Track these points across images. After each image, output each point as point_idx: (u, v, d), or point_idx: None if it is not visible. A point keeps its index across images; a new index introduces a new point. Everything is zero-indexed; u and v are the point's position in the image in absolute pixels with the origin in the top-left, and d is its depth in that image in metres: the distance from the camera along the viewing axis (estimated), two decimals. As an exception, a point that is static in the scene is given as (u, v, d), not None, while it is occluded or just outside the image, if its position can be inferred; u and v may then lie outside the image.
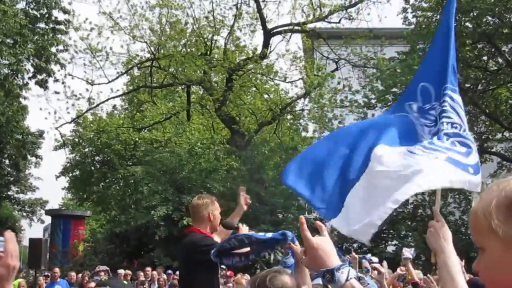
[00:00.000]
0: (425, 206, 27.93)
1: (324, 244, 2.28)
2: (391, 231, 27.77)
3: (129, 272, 19.02)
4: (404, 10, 25.24)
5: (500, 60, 25.16)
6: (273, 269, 3.65)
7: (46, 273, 18.97)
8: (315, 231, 2.46)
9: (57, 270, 18.66)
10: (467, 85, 25.12)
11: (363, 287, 2.11)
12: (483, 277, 1.71)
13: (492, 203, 1.62)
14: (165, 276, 16.51)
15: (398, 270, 10.16)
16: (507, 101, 25.94)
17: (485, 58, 25.52)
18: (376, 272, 8.29)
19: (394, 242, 27.56)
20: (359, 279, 2.11)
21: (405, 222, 27.18)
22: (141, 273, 18.81)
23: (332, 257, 2.22)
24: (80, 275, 19.27)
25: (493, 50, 24.81)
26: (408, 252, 10.44)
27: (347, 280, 2.11)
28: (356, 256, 9.05)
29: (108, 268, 17.82)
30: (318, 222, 2.50)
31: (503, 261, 1.60)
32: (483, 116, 26.18)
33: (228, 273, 16.28)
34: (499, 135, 27.12)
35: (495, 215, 1.60)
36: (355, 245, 26.41)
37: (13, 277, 2.83)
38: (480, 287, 1.62)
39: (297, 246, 3.81)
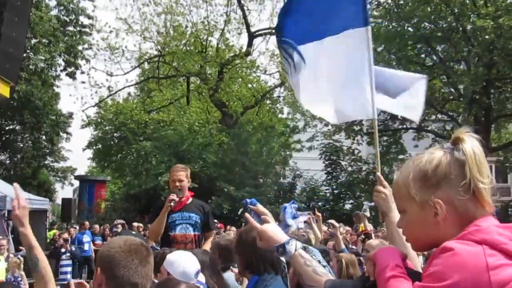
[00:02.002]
0: (375, 173, 28.13)
1: (270, 227, 2.30)
2: (348, 192, 27.96)
3: (140, 225, 19.03)
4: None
5: (434, 58, 25.26)
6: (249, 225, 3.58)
7: (75, 226, 18.95)
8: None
9: (86, 222, 18.66)
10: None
11: (309, 253, 2.11)
12: (405, 233, 1.80)
13: (410, 176, 1.72)
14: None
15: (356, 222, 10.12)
16: (440, 90, 26.07)
17: (423, 55, 25.61)
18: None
19: (351, 201, 27.78)
20: (304, 248, 2.11)
21: (359, 185, 27.37)
22: (150, 226, 18.83)
23: (280, 235, 2.22)
24: (102, 227, 19.30)
25: (429, 49, 24.89)
26: (367, 207, 10.45)
27: (295, 250, 2.12)
28: (319, 214, 9.07)
29: (124, 222, 17.82)
30: (263, 216, 2.70)
31: (420, 219, 1.70)
32: (421, 102, 26.30)
33: (219, 225, 16.32)
34: (433, 117, 27.29)
35: (412, 185, 1.70)
36: (320, 203, 26.62)
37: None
38: None
39: (257, 207, 3.73)
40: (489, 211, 1.65)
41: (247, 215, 2.59)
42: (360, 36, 4.31)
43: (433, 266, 1.55)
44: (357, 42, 4.31)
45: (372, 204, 10.31)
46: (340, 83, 4.29)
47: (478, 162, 1.64)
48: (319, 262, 2.26)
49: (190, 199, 5.98)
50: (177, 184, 5.83)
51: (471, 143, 1.68)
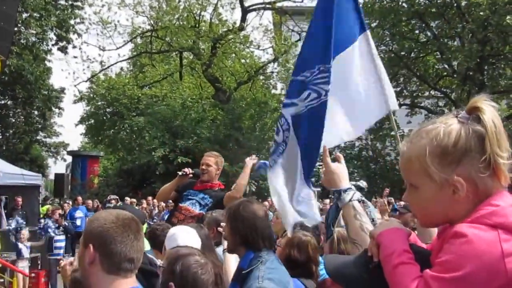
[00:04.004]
0: (368, 149, 28.21)
1: (339, 169, 2.30)
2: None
3: (134, 200, 19.08)
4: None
5: (428, 33, 25.18)
6: (245, 199, 3.59)
7: (68, 201, 18.97)
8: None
9: (79, 198, 18.68)
10: (402, 53, 25.14)
11: (364, 208, 2.09)
12: (415, 209, 1.70)
13: (426, 151, 1.58)
14: (163, 204, 16.53)
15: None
16: (433, 66, 26.05)
17: (417, 31, 25.52)
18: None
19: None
20: (362, 201, 2.09)
21: (352, 161, 27.46)
22: (144, 201, 18.88)
23: (343, 181, 2.22)
24: (95, 202, 19.36)
25: (423, 25, 24.79)
26: (362, 184, 10.47)
27: (350, 200, 2.11)
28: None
29: (117, 197, 17.85)
30: (338, 153, 2.51)
31: (435, 197, 1.58)
32: (415, 78, 26.30)
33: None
34: (426, 93, 27.29)
35: (430, 163, 1.56)
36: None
37: None
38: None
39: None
40: (505, 185, 1.56)
41: (325, 147, 2.58)
42: (363, 41, 4.38)
43: (444, 253, 1.49)
44: (363, 48, 4.36)
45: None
46: (352, 96, 4.25)
47: (499, 135, 1.53)
48: (373, 220, 2.25)
49: (216, 188, 6.13)
50: (204, 167, 6.06)
51: (490, 114, 1.55)
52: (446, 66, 25.22)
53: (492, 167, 1.52)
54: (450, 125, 1.58)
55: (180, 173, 6.05)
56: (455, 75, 24.17)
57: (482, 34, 21.72)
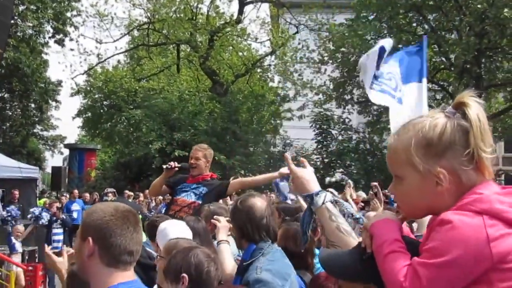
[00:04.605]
0: (365, 142, 28.21)
1: (306, 174, 2.28)
2: (338, 161, 28.07)
3: (131, 193, 19.09)
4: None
5: (426, 26, 25.14)
6: (247, 193, 3.63)
7: (65, 194, 18.97)
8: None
9: (76, 191, 18.65)
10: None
11: (340, 207, 2.09)
12: (399, 200, 1.75)
13: (411, 142, 1.63)
14: (160, 197, 16.54)
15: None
16: (431, 59, 26.02)
17: (414, 24, 25.49)
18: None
19: (341, 170, 27.91)
20: (336, 202, 2.09)
21: (349, 154, 27.46)
22: (141, 194, 18.88)
23: (312, 184, 2.21)
24: (92, 195, 19.34)
25: (420, 18, 24.77)
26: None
27: (323, 203, 2.10)
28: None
29: (115, 190, 17.84)
30: (302, 159, 2.50)
31: (419, 187, 1.63)
32: (412, 71, 26.25)
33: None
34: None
35: (415, 153, 1.62)
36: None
37: None
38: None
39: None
40: (489, 179, 1.61)
41: (286, 155, 2.57)
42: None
43: (431, 240, 1.53)
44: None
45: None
46: None
47: (483, 130, 1.59)
48: (352, 215, 2.25)
49: (209, 179, 6.26)
50: (192, 161, 6.20)
51: (476, 109, 1.61)
52: (443, 59, 25.20)
53: (476, 161, 1.58)
54: (436, 118, 1.64)
55: (165, 166, 6.17)
56: (452, 68, 24.15)
57: (479, 27, 21.71)
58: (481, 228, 1.45)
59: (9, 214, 13.23)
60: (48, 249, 3.84)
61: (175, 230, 3.73)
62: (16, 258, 12.02)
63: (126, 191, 18.90)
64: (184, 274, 2.68)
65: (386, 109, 27.96)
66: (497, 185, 1.61)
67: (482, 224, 1.46)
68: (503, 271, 1.45)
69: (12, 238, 12.09)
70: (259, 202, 3.35)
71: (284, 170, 5.86)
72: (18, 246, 12.13)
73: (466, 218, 1.48)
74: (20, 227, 12.39)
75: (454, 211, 1.52)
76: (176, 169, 6.14)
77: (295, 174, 2.30)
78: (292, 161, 2.45)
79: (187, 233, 3.76)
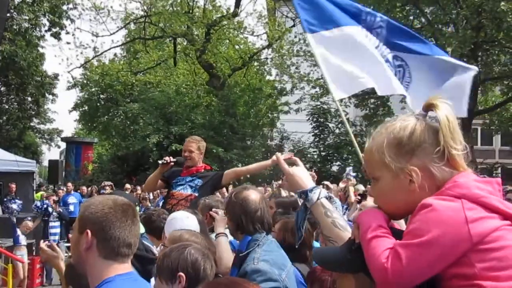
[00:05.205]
0: (362, 135, 28.24)
1: (299, 171, 2.30)
2: (336, 154, 28.12)
3: (128, 186, 19.08)
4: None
5: (423, 20, 25.14)
6: (241, 186, 3.65)
7: (62, 187, 18.96)
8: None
9: (70, 184, 18.62)
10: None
11: (332, 204, 2.12)
12: (378, 201, 1.78)
13: (383, 143, 1.72)
14: (158, 190, 16.54)
15: (341, 184, 10.20)
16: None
17: (411, 17, 25.47)
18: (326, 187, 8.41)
19: (338, 163, 27.96)
20: (330, 198, 2.13)
21: (346, 147, 27.48)
22: (139, 188, 18.87)
23: (306, 181, 2.23)
24: (89, 188, 19.32)
25: (417, 11, 24.75)
26: (351, 171, 10.45)
27: (318, 199, 2.13)
28: (314, 174, 9.11)
29: (112, 183, 17.85)
30: (293, 157, 2.58)
31: (394, 187, 1.69)
32: (409, 64, 26.21)
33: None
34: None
35: (387, 153, 1.70)
36: (307, 165, 26.72)
37: None
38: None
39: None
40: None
41: (278, 154, 2.61)
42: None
43: (412, 223, 1.57)
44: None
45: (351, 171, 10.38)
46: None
47: (452, 129, 1.65)
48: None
49: (202, 170, 6.33)
50: (186, 154, 6.25)
51: (444, 110, 1.68)
52: (440, 52, 25.22)
53: (447, 158, 1.65)
54: (406, 120, 1.74)
55: (160, 162, 6.15)
56: (449, 61, 24.15)
57: (476, 20, 21.72)
58: (459, 210, 1.51)
59: (17, 209, 13.26)
60: (42, 243, 3.86)
61: (184, 221, 3.77)
62: (21, 251, 12.04)
63: (127, 185, 18.90)
64: (181, 273, 2.68)
65: (383, 103, 27.92)
66: (476, 175, 1.67)
67: (461, 206, 1.52)
68: (483, 252, 1.48)
69: (18, 230, 12.10)
70: (253, 195, 3.39)
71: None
72: (22, 239, 12.14)
73: (445, 202, 1.54)
74: (30, 223, 12.38)
75: (434, 196, 1.58)
76: (172, 163, 6.15)
77: (288, 172, 2.32)
78: (285, 159, 2.48)
79: (195, 225, 3.80)
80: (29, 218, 12.91)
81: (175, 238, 3.39)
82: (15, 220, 12.87)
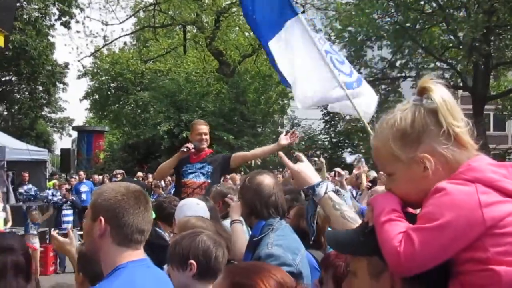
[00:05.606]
0: (373, 122, 28.12)
1: (304, 167, 2.31)
2: (347, 141, 28.08)
3: (140, 174, 19.15)
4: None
5: (434, 4, 24.92)
6: (255, 171, 3.65)
7: (74, 176, 19.08)
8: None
9: (81, 173, 18.69)
10: (407, 25, 24.93)
11: (339, 197, 2.13)
12: (397, 195, 1.74)
13: (388, 138, 1.70)
14: (169, 178, 16.57)
15: (354, 171, 10.16)
16: (439, 38, 25.84)
17: (422, 2, 25.24)
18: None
19: (349, 150, 27.89)
20: (337, 191, 2.14)
21: (357, 134, 27.42)
22: (150, 175, 18.93)
23: (312, 177, 2.24)
24: (101, 176, 19.41)
25: (429, -4, 24.56)
26: (349, 158, 10.42)
27: (325, 193, 2.14)
28: (323, 160, 9.08)
29: (123, 172, 17.91)
30: (297, 153, 2.53)
31: (409, 177, 1.67)
32: (420, 50, 26.11)
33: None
34: (432, 65, 27.12)
35: (394, 147, 1.68)
36: (318, 152, 26.73)
37: None
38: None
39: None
40: (474, 151, 1.66)
41: (281, 153, 2.62)
42: (297, 25, 5.07)
43: (425, 207, 1.57)
44: (298, 31, 5.03)
45: (354, 156, 10.34)
46: (305, 69, 4.95)
47: (450, 108, 1.64)
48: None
49: (210, 154, 6.37)
50: (203, 137, 6.22)
51: (438, 91, 1.67)
52: (451, 37, 25.01)
53: (453, 137, 1.63)
54: (405, 109, 1.71)
55: (184, 149, 6.10)
56: (461, 46, 23.96)
57: (488, 4, 21.50)
58: (473, 194, 1.49)
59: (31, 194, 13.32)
60: (54, 232, 3.88)
61: (193, 208, 3.78)
62: (34, 239, 12.16)
63: (139, 173, 18.98)
64: (192, 261, 2.68)
65: (394, 89, 27.77)
66: (491, 159, 1.66)
67: (475, 190, 1.50)
68: (497, 236, 1.47)
69: (28, 220, 12.21)
70: (267, 180, 3.37)
71: (283, 141, 5.94)
72: (32, 227, 12.25)
73: (459, 186, 1.52)
74: (37, 215, 12.47)
75: (448, 180, 1.57)
76: (192, 150, 6.13)
77: (293, 169, 2.32)
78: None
79: (205, 211, 3.81)
80: (34, 207, 13.01)
81: (182, 224, 3.41)
82: (24, 208, 12.97)
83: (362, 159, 10.16)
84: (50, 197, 13.71)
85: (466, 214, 1.47)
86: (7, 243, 2.66)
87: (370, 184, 9.65)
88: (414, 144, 1.66)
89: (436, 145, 1.64)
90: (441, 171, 1.63)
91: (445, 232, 1.48)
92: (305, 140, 28.36)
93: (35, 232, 12.39)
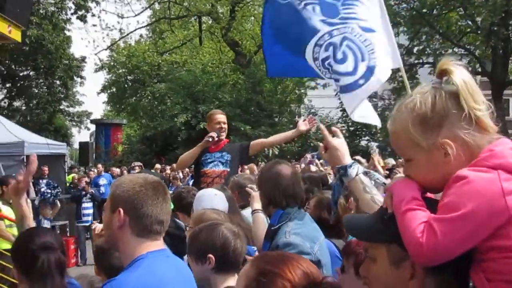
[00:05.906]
0: (391, 109, 27.96)
1: (342, 145, 2.31)
2: (364, 129, 27.94)
3: (158, 166, 19.25)
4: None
5: (451, -11, 24.63)
6: (274, 160, 3.64)
7: (93, 169, 19.21)
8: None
9: (100, 166, 18.82)
10: (424, 10, 24.69)
11: (370, 179, 2.12)
12: (417, 180, 1.71)
13: (408, 123, 1.65)
14: (187, 169, 16.66)
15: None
16: (456, 23, 25.54)
17: (439, -13, 24.97)
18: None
19: (366, 138, 27.80)
20: (366, 173, 2.14)
21: (375, 121, 27.22)
22: (168, 167, 19.02)
23: (346, 157, 2.24)
24: (119, 169, 19.53)
25: (446, -20, 24.26)
26: (375, 146, 10.41)
27: (356, 175, 2.14)
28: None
29: (141, 164, 18.02)
30: (334, 128, 2.52)
31: (429, 164, 1.64)
32: (437, 36, 25.84)
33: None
34: (450, 51, 26.82)
35: (414, 133, 1.63)
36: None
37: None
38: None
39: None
40: (495, 134, 1.62)
41: (322, 126, 2.58)
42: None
43: (446, 196, 1.54)
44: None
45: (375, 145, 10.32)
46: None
47: (471, 91, 1.60)
48: (385, 184, 2.26)
49: (226, 143, 6.36)
50: (223, 126, 6.23)
51: (459, 73, 1.63)
52: (469, 22, 24.72)
53: (475, 121, 1.60)
54: (424, 93, 1.67)
55: (209, 139, 6.07)
56: (479, 31, 23.69)
57: (506, -12, 21.21)
58: (495, 181, 1.46)
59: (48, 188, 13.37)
60: (95, 226, 3.90)
61: (211, 199, 3.79)
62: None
63: (157, 165, 19.08)
64: (211, 255, 2.69)
65: (412, 76, 27.50)
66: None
67: (497, 177, 1.46)
68: None
69: (40, 216, 12.29)
70: (285, 169, 3.37)
71: (302, 127, 5.99)
72: (45, 222, 12.31)
73: (481, 173, 1.49)
74: (48, 211, 12.55)
75: (469, 168, 1.53)
76: (216, 139, 6.13)
77: (333, 145, 2.31)
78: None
79: (223, 202, 3.82)
80: (44, 202, 13.08)
81: (197, 217, 3.43)
82: (36, 203, 13.05)
83: (375, 148, 10.15)
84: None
85: (488, 203, 1.44)
86: (48, 240, 2.66)
87: (388, 172, 9.61)
88: (435, 129, 1.62)
89: (457, 130, 1.60)
90: (462, 156, 1.59)
91: (467, 222, 1.45)
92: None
93: (48, 227, 12.48)
